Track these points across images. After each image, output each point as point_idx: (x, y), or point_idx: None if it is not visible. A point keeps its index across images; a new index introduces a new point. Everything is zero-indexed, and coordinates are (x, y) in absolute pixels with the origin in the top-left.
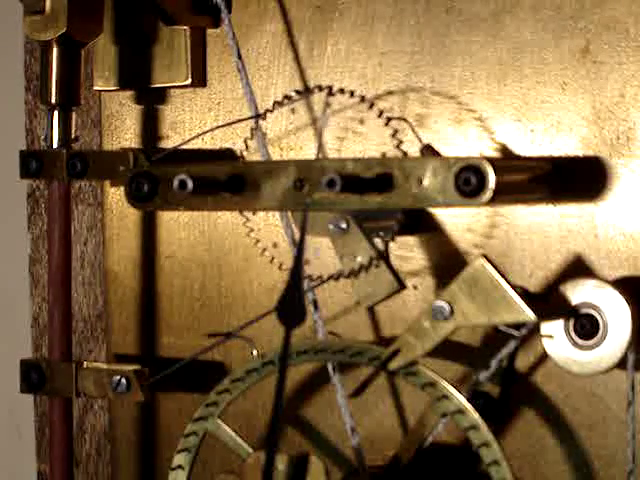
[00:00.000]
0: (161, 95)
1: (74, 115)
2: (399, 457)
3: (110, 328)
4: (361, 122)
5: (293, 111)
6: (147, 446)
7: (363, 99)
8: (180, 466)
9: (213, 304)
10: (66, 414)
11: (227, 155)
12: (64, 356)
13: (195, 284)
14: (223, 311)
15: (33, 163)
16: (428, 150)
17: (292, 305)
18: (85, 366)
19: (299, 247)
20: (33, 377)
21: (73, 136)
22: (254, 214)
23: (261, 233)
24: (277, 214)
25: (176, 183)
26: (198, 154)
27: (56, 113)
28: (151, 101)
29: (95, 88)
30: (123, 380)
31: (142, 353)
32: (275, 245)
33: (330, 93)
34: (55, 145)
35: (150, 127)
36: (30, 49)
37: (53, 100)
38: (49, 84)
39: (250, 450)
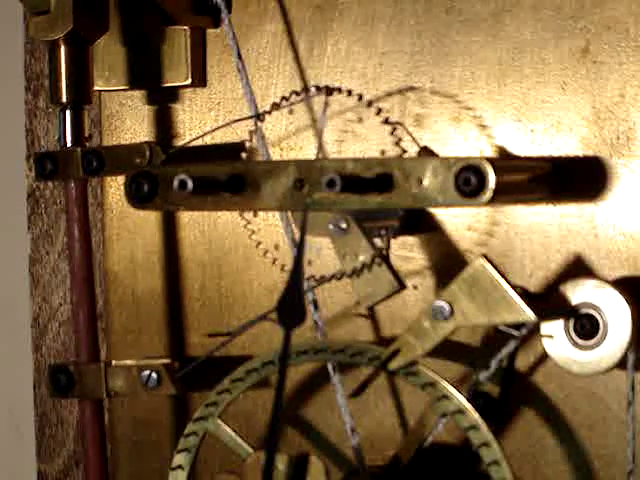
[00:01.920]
0: (161, 95)
1: (86, 113)
2: (399, 457)
3: (110, 328)
4: (361, 122)
5: (292, 112)
6: (147, 446)
7: (361, 98)
8: (180, 466)
9: (213, 304)
10: (98, 415)
11: (232, 151)
12: (91, 356)
13: (195, 284)
14: (223, 311)
15: (48, 164)
16: (425, 153)
17: (292, 305)
18: (114, 364)
19: (299, 247)
20: (62, 380)
21: (86, 134)
22: (255, 215)
23: (261, 233)
24: (277, 214)
25: (176, 183)
26: (198, 154)
27: (68, 112)
28: (151, 101)
29: (95, 88)
30: (154, 374)
31: (142, 353)
32: (277, 247)
33: (334, 93)
34: (69, 144)
35: (150, 127)
36: (30, 49)
37: (64, 99)
38: (59, 84)
39: (250, 450)
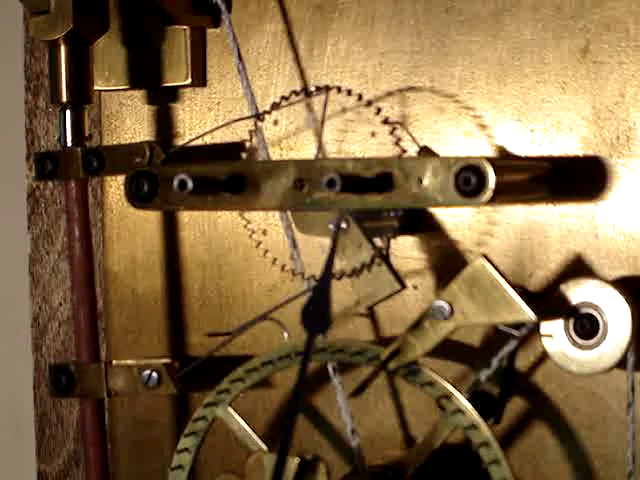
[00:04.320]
0: (161, 95)
1: (86, 113)
2: (405, 465)
3: (110, 328)
4: (361, 123)
5: (276, 123)
6: (147, 446)
7: (361, 98)
8: (187, 449)
9: (213, 304)
10: (99, 415)
11: (232, 151)
12: (92, 356)
13: (195, 284)
14: (223, 311)
15: (49, 164)
16: (425, 152)
17: (317, 312)
18: (114, 364)
19: (330, 254)
20: (62, 380)
21: (87, 134)
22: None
23: (262, 233)
24: (277, 213)
25: (176, 183)
26: (198, 154)
27: (68, 112)
28: (151, 101)
29: (95, 88)
30: (154, 374)
31: (142, 353)
32: (271, 240)
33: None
34: (69, 144)
35: (150, 127)
36: (30, 49)
37: (64, 99)
38: (59, 83)
39: (258, 441)
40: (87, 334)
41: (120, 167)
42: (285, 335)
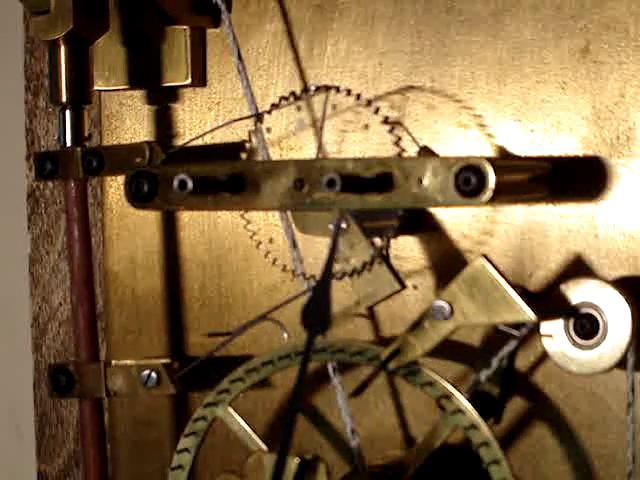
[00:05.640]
0: (161, 95)
1: (85, 113)
2: (405, 465)
3: (110, 328)
4: (361, 123)
5: (269, 131)
6: (147, 446)
7: (360, 98)
8: (187, 449)
9: (213, 304)
10: (98, 415)
11: (232, 151)
12: (91, 356)
13: (195, 284)
14: (223, 311)
15: (48, 164)
16: (425, 153)
17: (317, 312)
18: (113, 364)
19: (330, 255)
20: (62, 381)
21: (86, 134)
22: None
23: (262, 233)
24: (277, 213)
25: (176, 183)
26: (198, 154)
27: (68, 112)
28: (151, 101)
29: (95, 88)
30: (153, 374)
31: (142, 353)
32: (271, 241)
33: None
34: (68, 144)
35: (150, 127)
36: (30, 49)
37: (64, 99)
38: (59, 83)
39: (258, 441)
40: (86, 334)
41: (120, 167)
42: (285, 336)
